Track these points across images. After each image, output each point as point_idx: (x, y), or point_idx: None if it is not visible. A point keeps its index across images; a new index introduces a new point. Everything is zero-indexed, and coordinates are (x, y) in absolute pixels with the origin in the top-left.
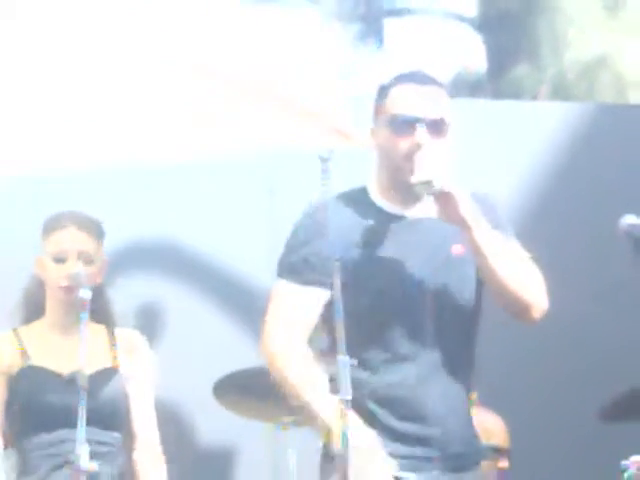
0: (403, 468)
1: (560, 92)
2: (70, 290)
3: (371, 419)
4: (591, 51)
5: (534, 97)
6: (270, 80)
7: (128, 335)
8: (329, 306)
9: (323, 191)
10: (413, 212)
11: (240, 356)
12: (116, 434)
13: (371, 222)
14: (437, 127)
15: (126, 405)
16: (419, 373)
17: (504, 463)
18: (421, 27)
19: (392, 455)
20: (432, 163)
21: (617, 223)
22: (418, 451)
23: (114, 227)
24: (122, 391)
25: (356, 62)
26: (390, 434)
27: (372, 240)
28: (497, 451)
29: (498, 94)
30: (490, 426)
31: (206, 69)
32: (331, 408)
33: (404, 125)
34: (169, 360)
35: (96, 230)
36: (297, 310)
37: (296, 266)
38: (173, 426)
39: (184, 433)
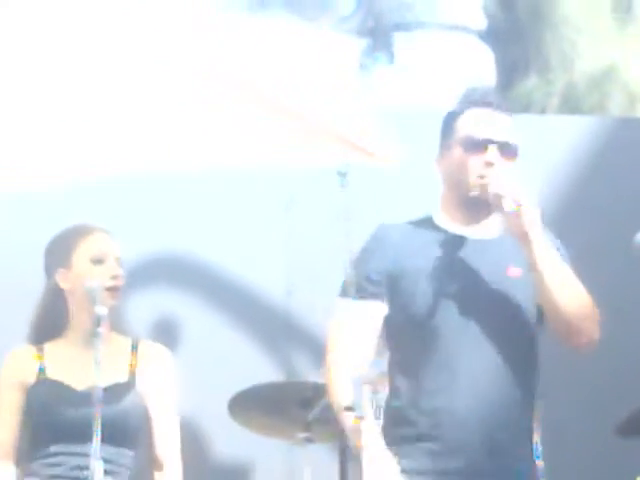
0: None
1: (570, 104)
2: (117, 290)
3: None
4: (601, 62)
5: (543, 110)
6: (288, 94)
7: (152, 349)
8: (389, 322)
9: (343, 206)
10: (474, 232)
11: (255, 371)
12: (128, 451)
13: (430, 240)
14: (507, 149)
15: (142, 422)
16: (464, 385)
17: None
18: (430, 41)
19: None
20: (504, 180)
21: (632, 239)
22: (447, 464)
23: (130, 239)
24: (136, 407)
25: (366, 77)
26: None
27: (429, 257)
28: None
29: (507, 107)
30: None
31: (221, 81)
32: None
33: (477, 145)
34: (183, 376)
35: (115, 237)
36: (355, 325)
37: (361, 282)
38: (188, 442)
39: (199, 449)
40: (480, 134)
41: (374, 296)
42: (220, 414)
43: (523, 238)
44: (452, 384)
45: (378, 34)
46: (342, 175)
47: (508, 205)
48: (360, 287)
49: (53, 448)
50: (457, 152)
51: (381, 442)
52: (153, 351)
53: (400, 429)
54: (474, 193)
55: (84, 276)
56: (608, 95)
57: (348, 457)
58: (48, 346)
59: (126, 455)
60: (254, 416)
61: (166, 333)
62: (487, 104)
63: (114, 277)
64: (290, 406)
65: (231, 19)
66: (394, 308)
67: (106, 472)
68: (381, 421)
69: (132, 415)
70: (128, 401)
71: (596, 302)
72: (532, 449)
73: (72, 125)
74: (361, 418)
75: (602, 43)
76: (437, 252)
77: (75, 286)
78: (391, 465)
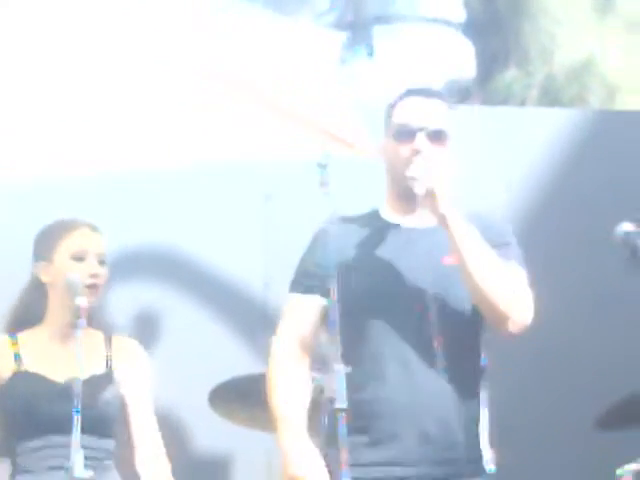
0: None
1: (549, 96)
2: (95, 288)
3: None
4: (580, 54)
5: (523, 102)
6: (267, 87)
7: (126, 343)
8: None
9: (323, 198)
10: (413, 222)
11: (235, 363)
12: (109, 441)
13: (369, 231)
14: (437, 136)
15: (121, 413)
16: (397, 373)
17: None
18: (410, 33)
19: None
20: (429, 167)
21: (613, 230)
22: (383, 455)
23: (110, 234)
24: (116, 398)
25: (346, 70)
26: (368, 447)
27: (367, 249)
28: None
29: (487, 99)
30: None
31: (200, 76)
32: (294, 448)
33: (405, 133)
34: (164, 368)
35: (102, 233)
36: (298, 317)
37: (298, 278)
38: (169, 435)
39: (180, 441)
40: (409, 122)
41: (310, 290)
42: (200, 406)
43: (442, 221)
44: (386, 375)
45: (358, 27)
46: (322, 167)
47: (418, 188)
48: (298, 282)
49: (38, 442)
50: (389, 141)
51: (305, 442)
52: (127, 344)
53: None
54: (407, 182)
55: (64, 272)
56: (587, 87)
57: (329, 448)
58: (22, 336)
59: (108, 444)
60: (234, 408)
61: (146, 325)
62: (419, 92)
63: (93, 275)
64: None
65: (208, 12)
66: (340, 301)
67: (90, 461)
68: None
69: (112, 405)
70: (107, 392)
71: (577, 293)
72: (475, 438)
73: (58, 121)
74: (343, 410)
75: (581, 35)
76: (375, 243)
77: (55, 280)
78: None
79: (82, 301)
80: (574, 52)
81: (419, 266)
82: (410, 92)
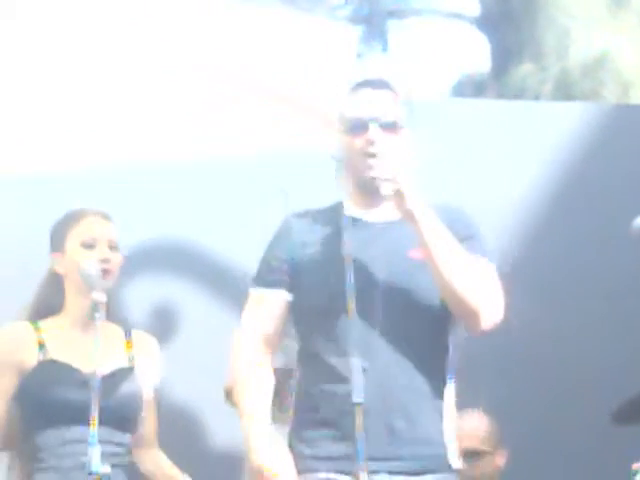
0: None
1: (563, 91)
2: (107, 273)
3: (311, 415)
4: (594, 49)
5: (537, 97)
6: (284, 82)
7: (145, 338)
8: (294, 309)
9: (339, 190)
10: (375, 216)
11: None
12: (128, 435)
13: (332, 225)
14: (390, 127)
15: (141, 406)
16: (368, 370)
17: (482, 467)
18: (424, 28)
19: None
20: (385, 159)
21: (629, 225)
22: (350, 449)
23: (127, 227)
24: (137, 391)
25: (361, 64)
26: (331, 433)
27: (330, 244)
28: (474, 454)
29: (501, 94)
30: (467, 429)
31: (218, 69)
32: (259, 440)
33: (358, 125)
34: (181, 362)
35: (112, 220)
36: (262, 312)
37: (261, 272)
38: (185, 428)
39: (196, 435)
40: (360, 114)
41: (273, 284)
42: (216, 400)
43: (409, 218)
44: (352, 370)
45: (372, 22)
46: (338, 160)
47: (385, 189)
48: (261, 276)
49: (67, 435)
50: (342, 134)
51: (271, 434)
52: (145, 340)
53: (305, 415)
54: (363, 175)
55: (76, 261)
56: (601, 82)
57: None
58: (43, 324)
59: (127, 438)
60: None
61: (163, 319)
62: (368, 84)
63: (104, 261)
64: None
65: (225, 8)
66: (298, 297)
67: (112, 457)
68: None
69: (135, 399)
70: (131, 386)
71: (592, 288)
72: (440, 434)
73: (78, 113)
74: (360, 404)
75: (596, 30)
76: (338, 238)
77: (69, 270)
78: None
79: (100, 296)
80: (588, 47)
81: (384, 261)
82: (359, 84)
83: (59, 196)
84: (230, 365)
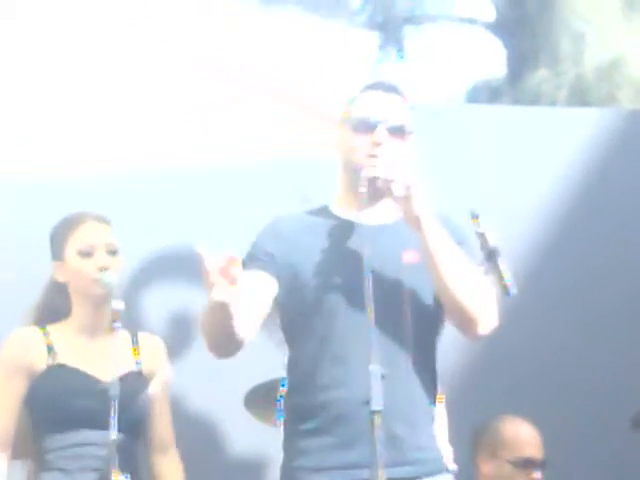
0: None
1: (579, 96)
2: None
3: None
4: (609, 55)
5: (553, 102)
6: (301, 87)
7: (150, 340)
8: (283, 312)
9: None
10: (367, 218)
11: (270, 366)
12: (136, 439)
13: (323, 228)
14: (397, 131)
15: (148, 410)
16: (358, 375)
17: (537, 475)
18: (440, 34)
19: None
20: (390, 161)
21: None
22: (348, 457)
23: (146, 234)
24: (145, 395)
25: (378, 71)
26: (323, 441)
27: (320, 247)
28: (530, 462)
29: (517, 99)
30: (523, 437)
31: (233, 76)
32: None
33: (365, 125)
34: (199, 369)
35: (110, 223)
36: (250, 290)
37: (251, 257)
38: (204, 436)
39: (214, 443)
40: (368, 114)
41: (259, 267)
42: (235, 408)
43: (414, 223)
44: (346, 376)
45: (388, 28)
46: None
47: (397, 189)
48: (247, 263)
49: (74, 438)
50: (346, 133)
51: None
52: (152, 342)
53: (299, 425)
54: (363, 173)
55: (75, 270)
56: (617, 87)
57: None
58: (52, 329)
59: (138, 444)
60: (270, 410)
61: (182, 327)
62: (378, 87)
63: (103, 269)
64: None
65: (244, 14)
66: (287, 301)
67: (123, 461)
68: None
69: (141, 403)
70: (138, 390)
71: (610, 293)
72: (433, 438)
73: (84, 117)
74: (379, 412)
75: (610, 35)
76: (328, 241)
77: (70, 279)
78: None
79: (118, 304)
80: (604, 52)
81: (378, 265)
82: (370, 86)
83: (74, 203)
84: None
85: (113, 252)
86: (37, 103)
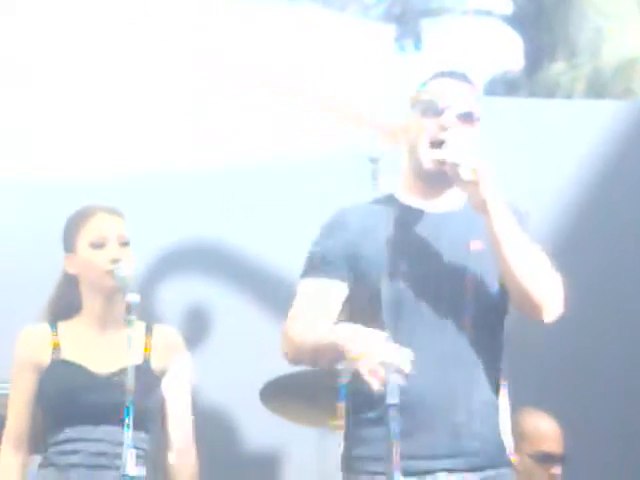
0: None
1: (596, 89)
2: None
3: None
4: (627, 47)
5: (570, 95)
6: (318, 82)
7: (166, 332)
8: (349, 304)
9: (375, 191)
10: (434, 205)
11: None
12: (142, 434)
13: (390, 217)
14: (465, 116)
15: (159, 404)
16: (425, 363)
17: (557, 469)
18: (457, 26)
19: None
20: (457, 145)
21: None
22: (411, 447)
23: (165, 228)
24: (152, 389)
25: (395, 63)
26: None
27: (387, 235)
28: (549, 457)
29: (534, 92)
30: (543, 430)
31: (252, 73)
32: (344, 332)
33: (432, 109)
34: (216, 363)
35: (122, 215)
36: (316, 302)
37: (313, 262)
38: (220, 430)
39: (231, 437)
40: (436, 99)
41: (329, 275)
42: (252, 402)
43: (481, 208)
44: (415, 365)
45: (405, 20)
46: (373, 161)
47: (465, 174)
48: (316, 267)
49: (69, 433)
50: (415, 120)
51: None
52: (166, 334)
53: (361, 414)
54: (429, 163)
55: (87, 261)
56: (634, 80)
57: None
58: (62, 325)
59: (143, 439)
60: (286, 404)
61: (198, 321)
62: (449, 75)
63: (114, 261)
64: (322, 393)
65: (255, 9)
66: (356, 290)
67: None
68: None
69: (148, 397)
70: (147, 383)
71: (625, 287)
72: (497, 428)
73: (106, 117)
74: (395, 405)
75: (628, 28)
76: (395, 229)
77: (82, 271)
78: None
79: (134, 297)
80: (621, 45)
81: (445, 252)
82: (439, 74)
83: (78, 200)
84: (294, 345)
85: (125, 244)
86: (40, 103)
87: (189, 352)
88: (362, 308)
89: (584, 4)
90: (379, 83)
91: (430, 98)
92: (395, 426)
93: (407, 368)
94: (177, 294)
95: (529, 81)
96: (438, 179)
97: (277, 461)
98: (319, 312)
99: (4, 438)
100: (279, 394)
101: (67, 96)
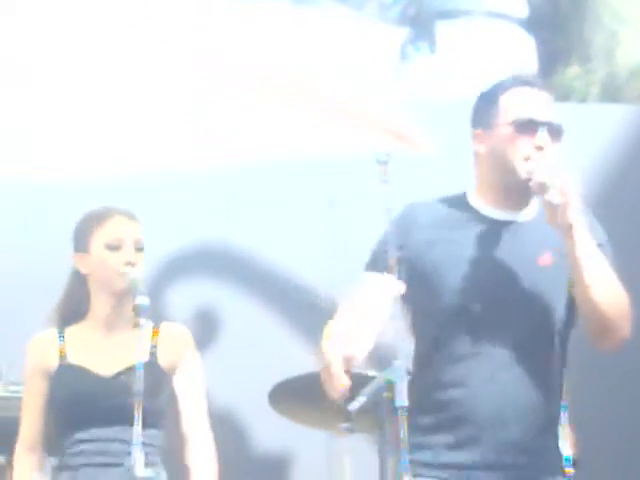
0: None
1: (610, 93)
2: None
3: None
4: None
5: (584, 99)
6: (326, 87)
7: (173, 329)
8: (413, 308)
9: (384, 195)
10: (508, 216)
11: (296, 362)
12: (153, 431)
13: (461, 221)
14: (556, 132)
15: (168, 401)
16: (483, 376)
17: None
18: (472, 29)
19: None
20: (552, 166)
21: None
22: (463, 457)
23: (174, 231)
24: (160, 386)
25: (409, 66)
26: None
27: (458, 240)
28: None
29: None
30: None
31: (262, 74)
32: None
33: (527, 127)
34: (224, 366)
35: (138, 220)
36: (369, 296)
37: (375, 257)
38: (229, 432)
39: (240, 439)
40: (531, 115)
41: (388, 270)
42: (261, 404)
43: (567, 231)
44: (470, 376)
45: (420, 23)
46: (382, 163)
47: (555, 197)
48: (376, 260)
49: (80, 435)
50: (506, 131)
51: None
52: (173, 330)
53: (417, 419)
54: (521, 179)
55: (102, 261)
56: None
57: (388, 447)
58: (69, 330)
59: (154, 435)
60: (294, 406)
61: (207, 324)
62: (531, 84)
63: (129, 263)
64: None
65: (270, 9)
66: (420, 289)
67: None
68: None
69: (156, 395)
70: (151, 380)
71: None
72: (556, 444)
73: (114, 123)
74: (403, 408)
75: None
76: (468, 235)
77: (94, 271)
78: None
79: (143, 300)
80: (636, 50)
81: (512, 265)
82: (520, 81)
83: (84, 203)
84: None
85: (140, 249)
86: (41, 104)
87: (199, 354)
88: (424, 311)
89: (599, 8)
90: (389, 84)
91: (526, 115)
92: (404, 429)
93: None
94: (185, 297)
95: (543, 84)
96: (521, 194)
97: (286, 463)
98: (368, 311)
99: (19, 441)
100: (288, 396)
101: (67, 97)
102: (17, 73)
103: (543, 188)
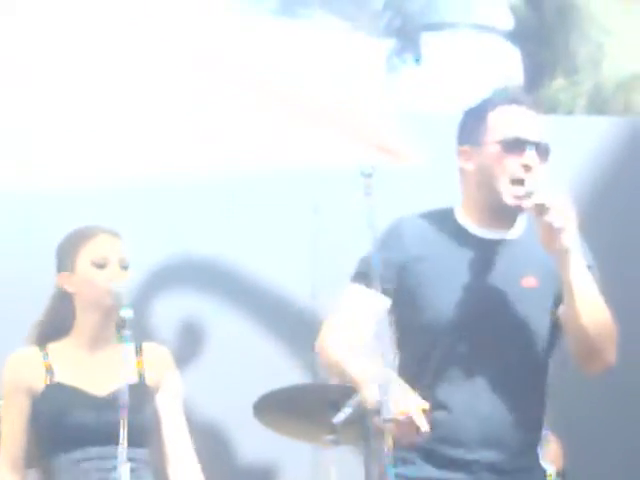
0: None
1: (597, 105)
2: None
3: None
4: (628, 64)
5: (570, 111)
6: (313, 96)
7: (155, 349)
8: (398, 324)
9: (367, 207)
10: (495, 234)
11: (281, 374)
12: (141, 450)
13: (449, 239)
14: (543, 152)
15: (154, 421)
16: (465, 397)
17: None
18: (457, 41)
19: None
20: (541, 186)
21: None
22: (445, 475)
23: (156, 243)
24: (148, 406)
25: (394, 78)
26: (427, 456)
27: (443, 256)
28: (562, 476)
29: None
30: (556, 450)
31: (246, 84)
32: (368, 373)
33: (515, 146)
34: (209, 378)
35: (121, 238)
36: (357, 309)
37: (362, 270)
38: (213, 444)
39: (225, 451)
40: (519, 133)
41: (376, 287)
42: (246, 416)
43: (562, 255)
44: (452, 398)
45: (405, 34)
46: (367, 176)
47: (556, 220)
48: (363, 273)
49: (73, 455)
50: (493, 150)
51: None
52: (157, 352)
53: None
54: (511, 199)
55: (87, 280)
56: (635, 96)
57: (373, 459)
58: (52, 347)
59: (144, 454)
60: (280, 418)
61: (192, 336)
62: (520, 102)
63: (114, 281)
64: (315, 408)
65: (257, 20)
66: (404, 305)
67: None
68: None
69: (146, 415)
70: (141, 401)
71: (619, 306)
72: (537, 462)
73: (100, 128)
74: (389, 421)
75: (629, 46)
76: (454, 253)
77: (81, 289)
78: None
79: (127, 313)
80: (622, 62)
81: (497, 285)
82: (508, 99)
83: (88, 215)
84: (325, 358)
85: (125, 267)
86: (37, 110)
87: (183, 367)
88: (409, 326)
89: (585, 21)
90: (376, 97)
91: (513, 134)
92: (388, 442)
93: (423, 426)
94: (171, 309)
95: (531, 102)
96: (509, 214)
97: (271, 475)
98: (356, 324)
99: (0, 459)
100: (273, 408)
101: (66, 103)
102: (13, 77)
103: (542, 210)
